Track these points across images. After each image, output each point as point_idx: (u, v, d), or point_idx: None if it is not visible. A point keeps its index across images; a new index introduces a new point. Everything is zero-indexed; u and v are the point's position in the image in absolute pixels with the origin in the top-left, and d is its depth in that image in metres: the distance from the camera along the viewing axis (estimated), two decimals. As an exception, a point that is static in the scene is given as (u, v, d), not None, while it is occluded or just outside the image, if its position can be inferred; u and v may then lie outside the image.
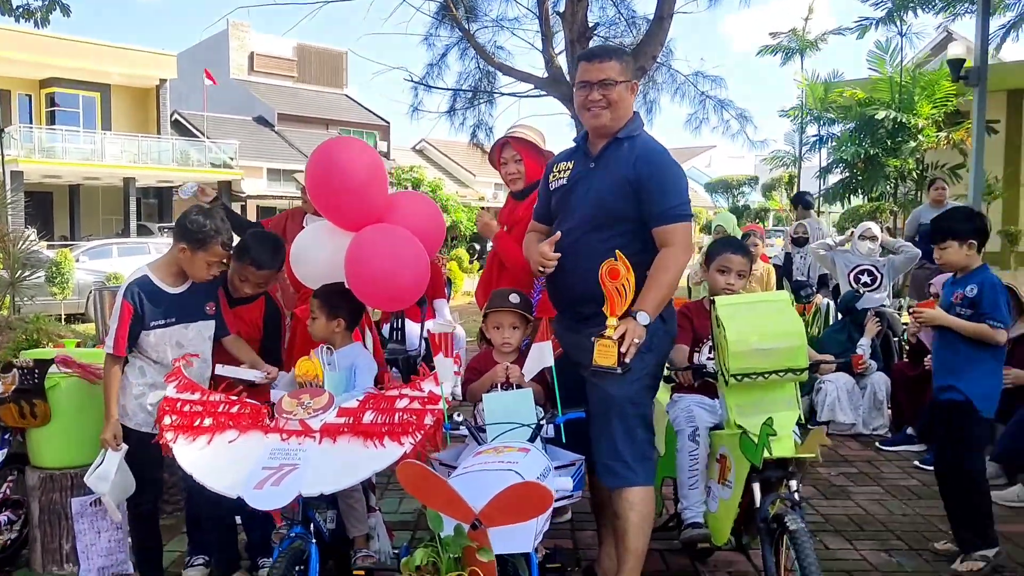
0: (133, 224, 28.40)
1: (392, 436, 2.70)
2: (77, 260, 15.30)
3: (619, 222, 3.00)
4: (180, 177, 28.08)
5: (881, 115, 15.02)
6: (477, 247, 28.16)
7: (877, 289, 6.79)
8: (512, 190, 4.20)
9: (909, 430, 5.61)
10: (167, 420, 2.84)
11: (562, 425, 2.98)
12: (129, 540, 3.57)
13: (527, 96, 11.51)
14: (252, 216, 28.00)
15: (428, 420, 2.74)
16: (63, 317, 12.99)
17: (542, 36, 10.63)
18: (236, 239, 3.56)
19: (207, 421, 2.84)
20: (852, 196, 16.99)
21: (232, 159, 31.77)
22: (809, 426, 3.12)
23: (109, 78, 29.60)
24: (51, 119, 28.83)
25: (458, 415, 2.92)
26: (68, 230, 28.94)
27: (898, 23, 17.30)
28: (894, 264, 7.00)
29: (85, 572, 3.56)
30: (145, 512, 3.37)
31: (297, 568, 2.67)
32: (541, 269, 3.06)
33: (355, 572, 3.16)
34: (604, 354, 2.75)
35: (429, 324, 5.54)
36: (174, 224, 3.39)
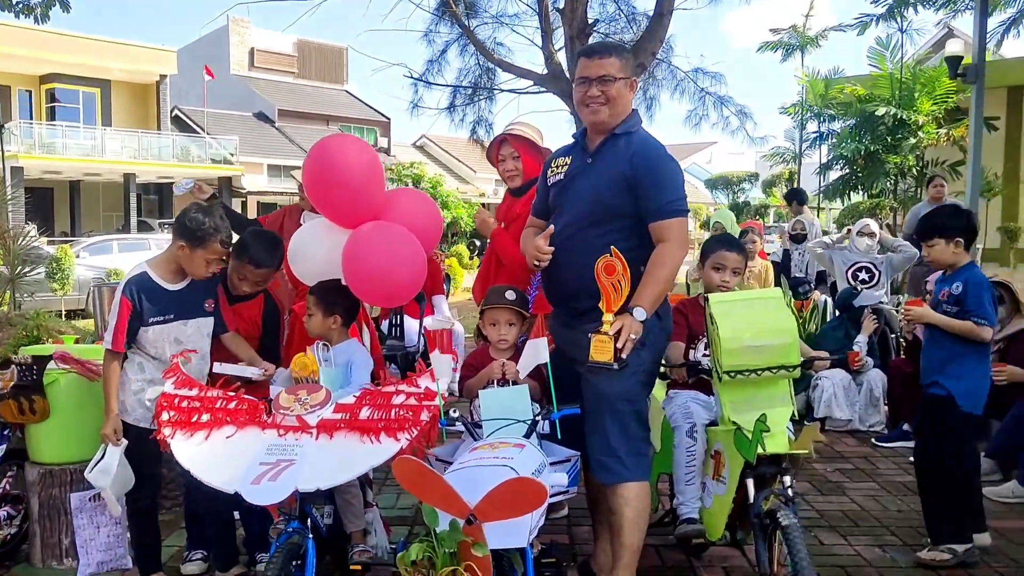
0: (133, 220, 28.41)
1: (388, 432, 2.73)
2: (77, 256, 15.34)
3: (616, 218, 3.01)
4: (180, 173, 28.09)
5: (881, 112, 14.99)
6: (477, 243, 28.08)
7: (875, 286, 6.80)
8: (510, 187, 4.21)
9: (905, 426, 5.62)
10: (165, 416, 2.87)
11: (557, 421, 2.99)
12: (128, 535, 3.59)
13: (527, 92, 11.51)
14: (252, 212, 28.01)
15: (424, 416, 2.76)
16: (63, 313, 13.00)
17: (542, 32, 10.64)
18: (235, 237, 3.57)
19: (205, 417, 2.86)
20: (852, 193, 16.96)
21: (232, 155, 31.76)
22: (803, 423, 3.14)
23: (109, 74, 29.57)
24: (51, 115, 28.80)
25: (454, 411, 2.93)
26: (68, 226, 28.93)
27: (899, 20, 17.26)
28: (892, 262, 7.01)
29: (84, 567, 3.58)
30: (144, 507, 3.39)
31: (294, 563, 2.68)
32: (536, 263, 3.07)
33: (352, 567, 3.17)
34: (600, 350, 2.75)
35: (427, 321, 5.57)
36: (174, 221, 3.41)
